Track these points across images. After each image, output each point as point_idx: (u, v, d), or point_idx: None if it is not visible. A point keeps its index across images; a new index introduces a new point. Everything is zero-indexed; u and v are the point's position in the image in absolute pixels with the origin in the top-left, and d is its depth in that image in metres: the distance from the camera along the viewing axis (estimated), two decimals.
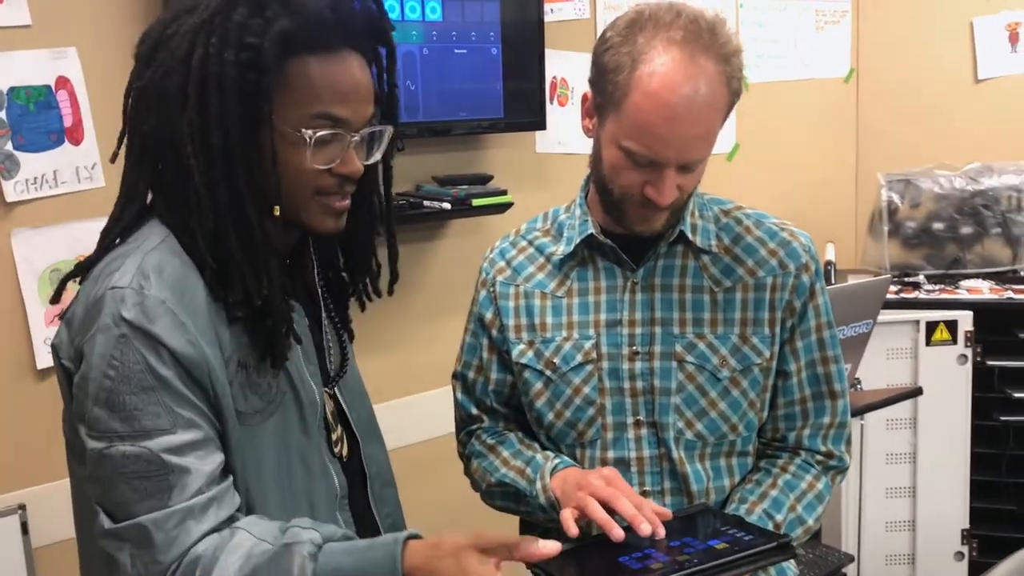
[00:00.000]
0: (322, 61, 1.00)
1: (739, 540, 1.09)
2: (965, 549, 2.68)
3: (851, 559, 2.48)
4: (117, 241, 1.05)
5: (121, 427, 0.95)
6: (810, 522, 1.32)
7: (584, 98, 1.28)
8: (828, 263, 2.84)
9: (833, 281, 2.76)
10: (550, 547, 0.92)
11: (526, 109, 2.32)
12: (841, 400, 1.36)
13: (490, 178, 2.31)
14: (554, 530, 1.37)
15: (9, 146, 1.72)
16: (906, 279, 2.84)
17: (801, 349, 1.34)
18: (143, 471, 0.94)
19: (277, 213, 1.00)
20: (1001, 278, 2.82)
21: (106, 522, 0.96)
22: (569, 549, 1.14)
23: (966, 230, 2.86)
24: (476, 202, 2.20)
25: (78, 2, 1.78)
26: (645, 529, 1.09)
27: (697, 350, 1.30)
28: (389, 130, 1.09)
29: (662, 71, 1.15)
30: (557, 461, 1.29)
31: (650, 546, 1.09)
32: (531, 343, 1.36)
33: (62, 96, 1.77)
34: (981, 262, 2.87)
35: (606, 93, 1.21)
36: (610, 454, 1.31)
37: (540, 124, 2.37)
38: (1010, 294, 2.69)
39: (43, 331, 1.77)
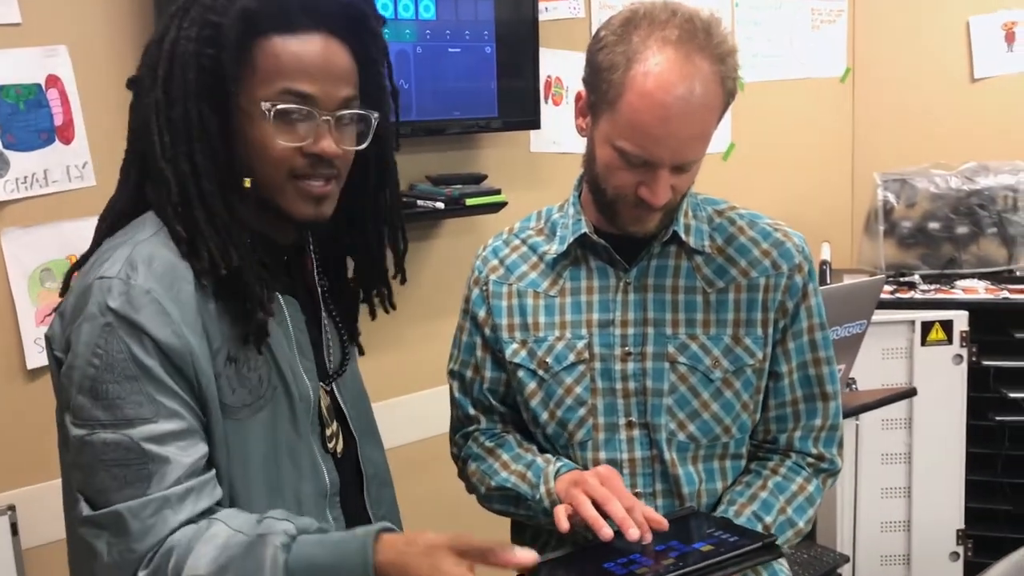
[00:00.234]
0: (288, 40, 1.01)
1: (725, 542, 1.09)
2: (960, 549, 2.67)
3: (846, 559, 2.48)
4: (111, 231, 1.07)
5: (104, 415, 0.95)
6: (801, 524, 1.31)
7: (578, 97, 1.28)
8: (824, 263, 2.84)
9: (829, 281, 2.76)
10: (527, 556, 0.92)
11: (520, 108, 2.31)
12: (833, 402, 1.35)
13: (484, 177, 2.30)
14: (546, 532, 1.37)
15: None
16: (902, 279, 2.84)
17: (793, 350, 1.33)
18: (123, 459, 0.95)
19: (248, 185, 1.02)
20: (997, 278, 2.82)
21: (85, 509, 0.97)
22: (557, 556, 1.14)
23: (962, 230, 2.86)
24: (470, 201, 2.20)
25: (68, 0, 1.77)
26: (633, 534, 1.09)
27: (690, 351, 1.29)
28: (375, 116, 1.09)
29: (657, 71, 1.15)
30: (559, 464, 1.29)
31: (636, 551, 1.09)
32: (524, 342, 1.35)
33: (52, 95, 1.76)
34: (977, 262, 2.87)
35: (600, 92, 1.20)
36: (602, 455, 1.31)
37: (534, 123, 2.36)
38: (1006, 294, 2.68)
39: (33, 331, 1.76)
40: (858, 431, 2.61)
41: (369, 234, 1.19)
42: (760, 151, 3.03)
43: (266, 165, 1.03)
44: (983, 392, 2.65)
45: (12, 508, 1.73)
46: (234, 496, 1.03)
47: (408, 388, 2.30)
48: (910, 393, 2.43)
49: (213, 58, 0.99)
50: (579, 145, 1.33)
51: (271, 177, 1.04)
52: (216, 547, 0.93)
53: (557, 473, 1.27)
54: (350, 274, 1.25)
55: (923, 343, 2.61)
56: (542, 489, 1.27)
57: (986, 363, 2.63)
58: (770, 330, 1.31)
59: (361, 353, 1.29)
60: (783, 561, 1.41)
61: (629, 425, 1.30)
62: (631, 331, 1.30)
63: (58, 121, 1.77)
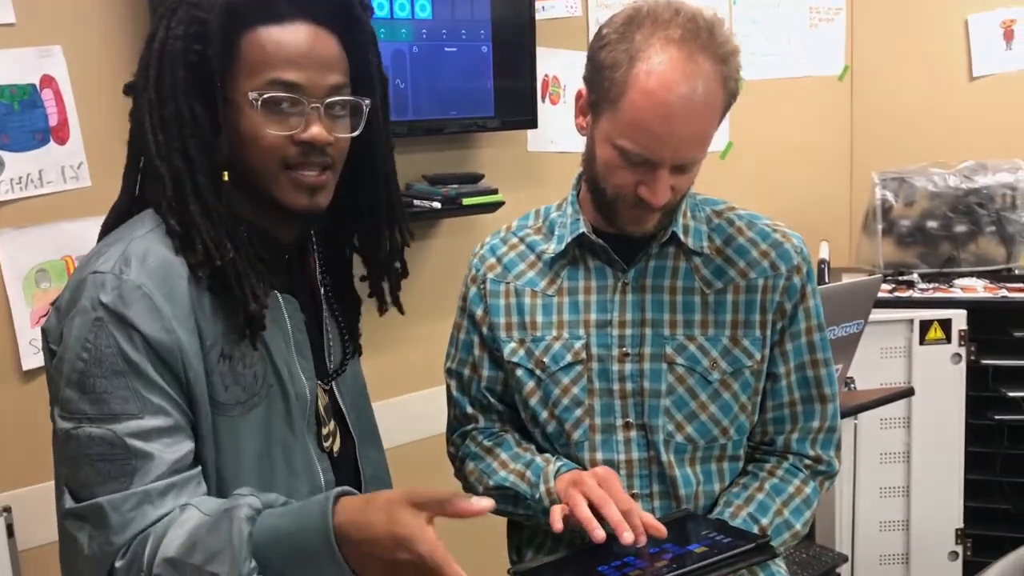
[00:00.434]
0: (272, 30, 1.02)
1: (718, 543, 1.09)
2: (959, 549, 2.67)
3: (845, 559, 2.48)
4: (111, 231, 1.08)
5: (90, 409, 0.96)
6: (797, 527, 1.31)
7: (578, 95, 1.27)
8: (822, 262, 2.83)
9: (827, 280, 2.75)
10: (483, 504, 0.91)
11: (517, 107, 2.31)
12: (831, 404, 1.35)
13: (481, 177, 2.30)
14: (542, 533, 1.36)
15: None
16: (900, 278, 2.83)
17: (791, 352, 1.33)
18: (107, 454, 0.96)
19: (226, 178, 1.02)
20: (995, 276, 2.81)
21: (69, 501, 0.98)
22: (548, 562, 1.14)
23: (960, 228, 2.85)
24: (467, 201, 2.19)
25: (63, 1, 1.76)
26: (627, 538, 1.08)
27: (687, 352, 1.29)
28: (366, 103, 1.09)
29: (660, 69, 1.14)
30: (560, 464, 1.28)
31: (630, 553, 1.08)
32: (522, 341, 1.35)
33: (47, 95, 1.75)
34: (975, 260, 2.86)
35: (602, 90, 1.19)
36: (599, 456, 1.30)
37: (532, 123, 2.35)
38: (1004, 293, 2.68)
39: (28, 332, 1.76)
40: (857, 430, 2.61)
41: (371, 225, 1.19)
42: (758, 150, 3.02)
43: (258, 156, 1.03)
44: (982, 391, 2.64)
45: (8, 510, 1.73)
46: (226, 493, 1.03)
47: (405, 388, 2.30)
48: (908, 393, 2.43)
49: (200, 54, 1.00)
50: (576, 144, 1.32)
51: (264, 168, 1.04)
52: (186, 531, 0.94)
53: (557, 472, 1.26)
54: (357, 272, 1.25)
55: (922, 342, 2.61)
56: (542, 488, 1.26)
57: (985, 362, 2.63)
58: (768, 331, 1.31)
59: (359, 353, 1.28)
60: (780, 562, 1.40)
61: (626, 426, 1.30)
62: (629, 332, 1.30)
63: (53, 121, 1.76)
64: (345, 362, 1.22)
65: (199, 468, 1.01)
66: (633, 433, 1.30)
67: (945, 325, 2.60)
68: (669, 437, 1.29)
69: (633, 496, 1.29)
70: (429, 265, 2.33)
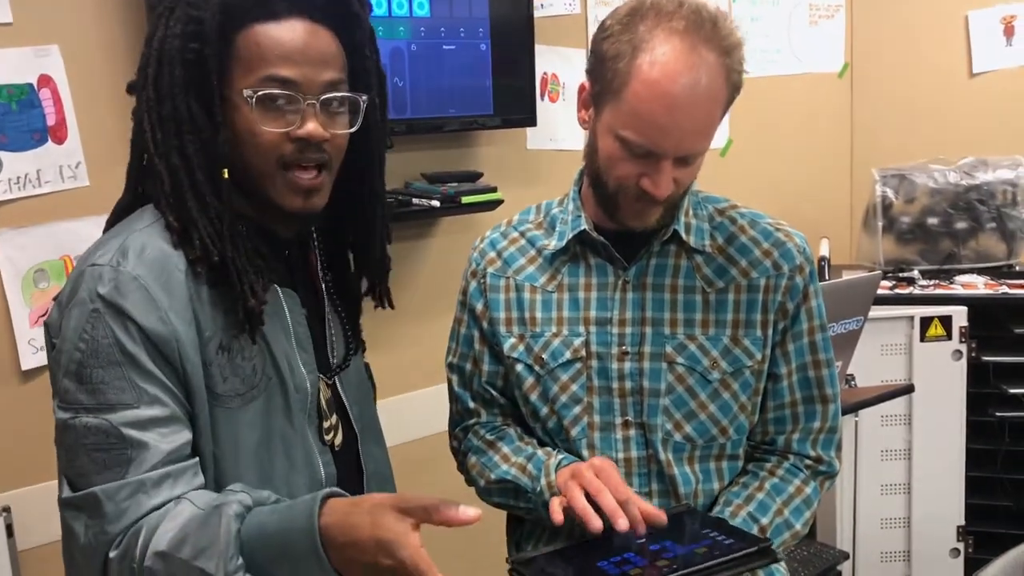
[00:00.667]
0: (268, 27, 1.03)
1: (719, 544, 1.08)
2: (961, 546, 2.67)
3: (846, 556, 2.48)
4: (114, 224, 1.10)
5: (87, 399, 0.97)
6: (797, 527, 1.30)
7: (581, 89, 1.27)
8: (822, 259, 2.83)
9: (827, 277, 2.75)
10: (470, 513, 0.90)
11: (516, 105, 2.30)
12: (832, 404, 1.34)
13: (480, 175, 2.30)
14: (540, 528, 1.36)
15: None
16: (900, 274, 2.83)
17: (792, 352, 1.32)
18: (103, 443, 0.97)
19: (225, 175, 1.03)
20: (996, 273, 2.81)
21: (66, 490, 0.99)
22: (549, 552, 1.14)
23: (961, 225, 2.85)
24: (466, 199, 2.19)
25: (60, 0, 1.76)
26: (622, 524, 1.08)
27: (688, 351, 1.28)
28: (363, 99, 1.09)
29: (663, 60, 1.14)
30: (561, 457, 1.28)
31: (630, 550, 1.08)
32: (522, 337, 1.34)
33: (45, 94, 1.75)
34: (976, 257, 2.86)
35: (605, 81, 1.19)
36: (597, 454, 1.30)
37: (530, 120, 2.35)
38: (1005, 289, 2.67)
39: (27, 332, 1.75)
40: (857, 427, 2.60)
41: (366, 221, 1.19)
42: (758, 147, 3.02)
43: (255, 154, 1.04)
44: (983, 388, 2.64)
45: (7, 509, 1.73)
46: (224, 485, 1.04)
47: (404, 387, 2.29)
48: (908, 389, 2.42)
49: (198, 52, 1.01)
50: (576, 142, 1.32)
51: (261, 167, 1.05)
52: (178, 524, 0.95)
53: (559, 466, 1.26)
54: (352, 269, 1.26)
55: (922, 339, 2.60)
56: (543, 482, 1.26)
57: (985, 359, 2.63)
58: (770, 331, 1.30)
59: (362, 348, 1.29)
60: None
61: (625, 424, 1.29)
62: (629, 330, 1.29)
63: (51, 121, 1.76)
64: (348, 357, 1.22)
65: (196, 459, 1.02)
66: (632, 431, 1.29)
67: (946, 322, 2.60)
68: (668, 436, 1.28)
69: None
70: (428, 263, 2.33)
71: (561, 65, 2.51)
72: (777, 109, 3.06)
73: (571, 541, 1.16)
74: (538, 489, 1.27)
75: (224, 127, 1.03)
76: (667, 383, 1.28)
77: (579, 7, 2.55)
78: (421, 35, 2.12)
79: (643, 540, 1.11)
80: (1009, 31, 3.05)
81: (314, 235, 1.20)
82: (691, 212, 1.32)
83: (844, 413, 1.40)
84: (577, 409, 1.31)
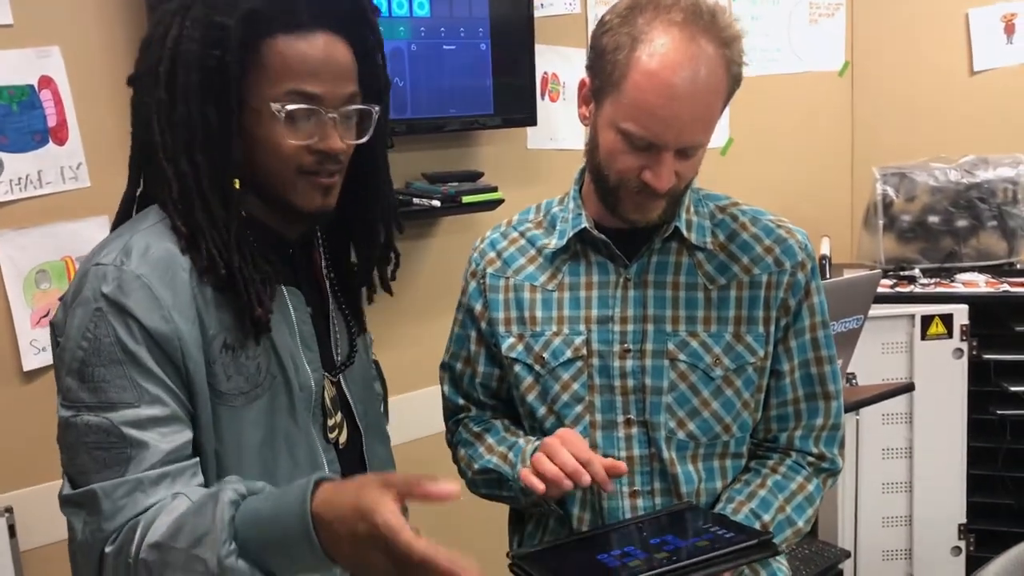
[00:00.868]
0: (293, 39, 1.02)
1: (720, 538, 1.08)
2: (962, 544, 2.67)
3: (847, 555, 2.48)
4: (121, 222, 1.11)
5: (89, 398, 0.98)
6: (800, 524, 1.30)
7: (581, 84, 1.27)
8: (823, 257, 2.83)
9: (828, 275, 2.75)
10: (449, 488, 0.91)
11: (517, 105, 2.30)
12: (835, 401, 1.34)
13: (480, 175, 2.30)
14: (543, 526, 1.36)
15: None
16: (901, 273, 2.83)
17: (795, 348, 1.32)
18: (103, 442, 0.97)
19: (237, 185, 1.03)
20: (997, 271, 2.81)
21: (66, 488, 1.00)
22: (548, 547, 1.14)
23: (962, 223, 2.85)
24: (466, 199, 2.19)
25: (61, 1, 1.76)
26: (584, 480, 1.11)
27: (690, 348, 1.28)
28: (375, 110, 1.11)
29: (662, 51, 1.15)
30: (537, 443, 1.28)
31: (630, 544, 1.08)
32: (521, 336, 1.34)
33: (45, 96, 1.75)
34: (977, 255, 2.86)
35: (604, 74, 1.20)
36: (599, 452, 1.30)
37: (531, 120, 2.35)
38: (1006, 287, 2.67)
39: (29, 333, 1.76)
40: (858, 426, 2.60)
41: (368, 220, 1.20)
42: (758, 146, 3.02)
43: (275, 162, 1.05)
44: (984, 386, 2.64)
45: (10, 510, 1.73)
46: None
47: (405, 387, 2.29)
48: (908, 388, 2.42)
49: (218, 59, 1.00)
50: (576, 141, 1.32)
51: (280, 174, 1.05)
52: (173, 517, 0.95)
53: (534, 451, 1.26)
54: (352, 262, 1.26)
55: (923, 337, 2.60)
56: (519, 468, 1.27)
57: (987, 357, 2.63)
58: (772, 328, 1.30)
59: (363, 329, 1.29)
60: (782, 559, 1.40)
61: (627, 423, 1.29)
62: (630, 328, 1.29)
63: (51, 122, 1.76)
64: (353, 354, 1.22)
65: (196, 459, 1.02)
66: (634, 430, 1.29)
67: (946, 320, 2.60)
68: (671, 434, 1.28)
69: (634, 493, 1.29)
70: (428, 263, 2.33)
71: (561, 64, 2.51)
72: (778, 108, 3.06)
73: (572, 534, 1.17)
74: (515, 475, 1.28)
75: (238, 135, 1.03)
76: (669, 380, 1.28)
77: (579, 6, 2.55)
78: (421, 35, 2.12)
79: (644, 534, 1.11)
80: (1010, 29, 3.05)
81: (318, 233, 1.21)
82: (692, 209, 1.32)
83: (845, 411, 1.40)
84: (579, 408, 1.31)
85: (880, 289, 2.43)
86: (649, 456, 1.29)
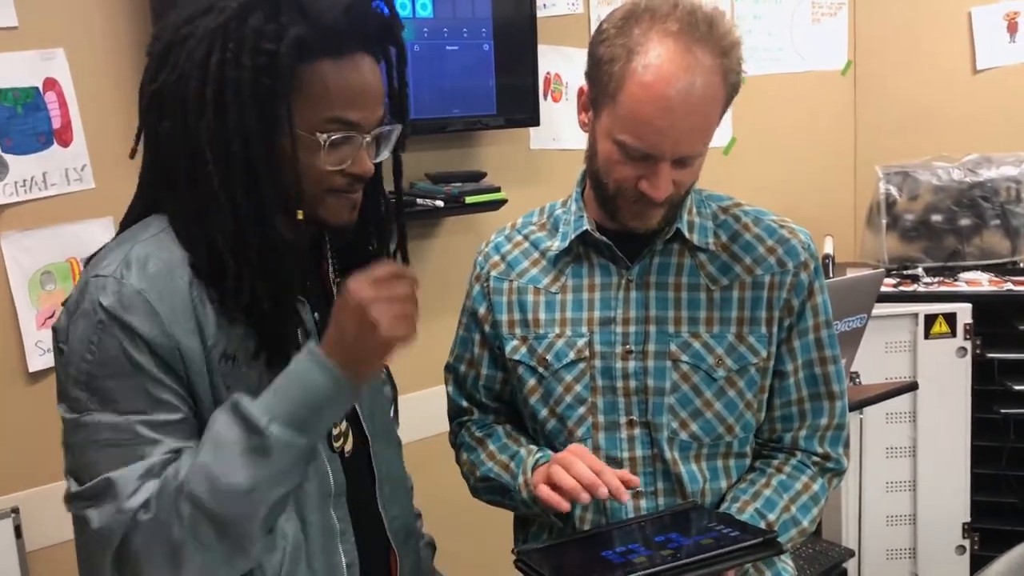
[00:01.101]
0: (336, 65, 1.01)
1: (725, 536, 1.09)
2: (967, 543, 2.67)
3: (852, 554, 2.48)
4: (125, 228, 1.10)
5: (99, 408, 0.98)
6: (805, 523, 1.30)
7: (580, 92, 1.27)
8: (826, 256, 2.83)
9: (831, 275, 2.75)
10: (403, 268, 0.99)
11: (519, 105, 2.31)
12: (839, 401, 1.34)
13: (483, 175, 2.30)
14: (548, 528, 1.37)
15: None
16: (905, 272, 2.83)
17: (798, 349, 1.32)
18: (116, 439, 0.97)
19: (300, 217, 1.04)
20: (1000, 270, 2.81)
21: (73, 486, 0.99)
22: (553, 544, 1.15)
23: (965, 222, 2.85)
24: (469, 199, 2.19)
25: (65, 3, 1.76)
26: (602, 492, 1.12)
27: (692, 349, 1.28)
28: (397, 128, 1.11)
29: (657, 63, 1.14)
30: (539, 455, 1.29)
31: (635, 541, 1.09)
32: (524, 339, 1.35)
33: (50, 98, 1.76)
34: (980, 254, 2.86)
35: (601, 85, 1.20)
36: (602, 454, 1.30)
37: (534, 120, 2.35)
38: (1009, 286, 2.67)
39: (34, 334, 1.76)
40: (862, 425, 2.60)
41: (382, 228, 1.21)
42: (761, 145, 3.02)
43: (306, 183, 1.04)
44: (987, 385, 2.64)
45: (16, 511, 1.74)
46: None
47: (405, 387, 2.28)
48: (912, 387, 2.42)
49: (268, 88, 0.99)
50: (579, 141, 1.32)
51: (308, 192, 1.05)
52: (196, 455, 0.97)
53: (536, 463, 1.27)
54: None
55: (927, 336, 2.60)
56: (520, 479, 1.27)
57: (990, 356, 2.63)
58: (775, 328, 1.30)
59: None
60: (787, 558, 1.40)
61: (630, 424, 1.29)
62: (633, 329, 1.30)
63: (56, 124, 1.77)
64: None
65: None
66: (637, 431, 1.29)
67: (950, 319, 2.60)
68: (673, 435, 1.28)
69: (637, 495, 1.29)
70: (431, 263, 2.33)
71: (564, 65, 2.51)
72: (780, 107, 3.06)
73: (576, 532, 1.17)
74: (516, 486, 1.28)
75: (280, 156, 1.01)
76: (672, 381, 1.28)
77: (582, 7, 2.55)
78: (424, 36, 2.12)
79: (649, 532, 1.11)
80: (1012, 27, 3.05)
81: (327, 241, 1.20)
82: (694, 210, 1.32)
83: (849, 411, 1.41)
84: (582, 410, 1.31)
85: (883, 288, 2.43)
86: (652, 457, 1.29)
